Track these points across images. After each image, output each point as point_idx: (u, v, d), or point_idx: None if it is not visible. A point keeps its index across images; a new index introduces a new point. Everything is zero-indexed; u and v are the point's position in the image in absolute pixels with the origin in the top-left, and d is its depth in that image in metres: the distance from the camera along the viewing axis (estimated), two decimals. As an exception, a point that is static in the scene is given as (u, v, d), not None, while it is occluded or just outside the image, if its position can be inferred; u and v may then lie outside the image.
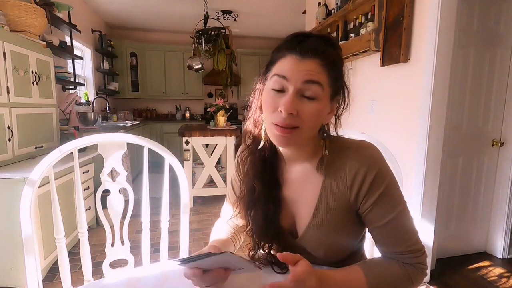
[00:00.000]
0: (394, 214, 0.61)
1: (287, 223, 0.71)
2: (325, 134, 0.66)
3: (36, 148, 2.07)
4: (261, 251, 0.71)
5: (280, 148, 0.68)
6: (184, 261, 0.52)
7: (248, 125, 0.71)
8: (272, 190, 0.70)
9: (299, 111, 0.57)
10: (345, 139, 0.68)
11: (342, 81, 0.63)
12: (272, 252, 0.72)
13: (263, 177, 0.69)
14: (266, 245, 0.71)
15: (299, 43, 0.58)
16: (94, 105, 3.86)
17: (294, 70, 0.57)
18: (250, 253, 0.73)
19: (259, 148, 0.68)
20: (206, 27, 3.96)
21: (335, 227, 0.66)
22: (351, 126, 2.36)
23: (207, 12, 3.97)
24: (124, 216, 1.00)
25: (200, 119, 5.91)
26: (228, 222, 0.82)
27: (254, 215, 0.70)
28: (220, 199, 3.43)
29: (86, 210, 1.66)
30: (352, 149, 0.64)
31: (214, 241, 0.75)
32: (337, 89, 0.62)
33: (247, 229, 0.72)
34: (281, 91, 0.58)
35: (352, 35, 2.31)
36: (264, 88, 0.63)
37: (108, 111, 4.27)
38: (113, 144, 0.96)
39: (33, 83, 2.04)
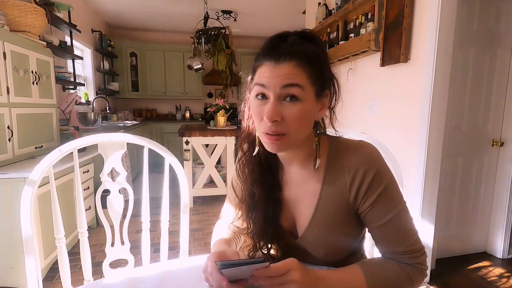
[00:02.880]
0: (393, 214, 0.61)
1: (288, 224, 0.71)
2: (318, 132, 0.67)
3: (36, 148, 2.07)
4: (261, 252, 0.71)
5: None
6: (226, 266, 0.51)
7: (243, 133, 0.72)
8: (272, 192, 0.70)
9: (284, 116, 0.57)
10: (344, 139, 0.68)
11: (329, 73, 0.63)
12: (272, 252, 0.72)
13: (262, 181, 0.69)
14: (266, 245, 0.71)
15: (273, 48, 0.58)
16: (94, 105, 3.86)
17: (271, 77, 0.57)
18: (250, 254, 0.73)
19: (254, 154, 0.69)
20: (206, 27, 3.97)
21: (335, 227, 0.66)
22: (351, 126, 2.37)
23: (207, 12, 3.97)
24: (124, 216, 1.00)
25: (200, 119, 5.91)
26: (229, 226, 0.82)
27: (254, 217, 0.70)
28: (220, 199, 3.43)
29: (86, 210, 1.66)
30: (351, 150, 0.64)
31: (220, 240, 0.75)
32: (323, 83, 0.61)
33: (248, 231, 0.72)
34: (264, 98, 0.59)
35: (352, 35, 2.31)
36: (249, 98, 0.65)
37: (108, 111, 4.28)
38: (113, 144, 0.96)
39: (33, 83, 2.04)
